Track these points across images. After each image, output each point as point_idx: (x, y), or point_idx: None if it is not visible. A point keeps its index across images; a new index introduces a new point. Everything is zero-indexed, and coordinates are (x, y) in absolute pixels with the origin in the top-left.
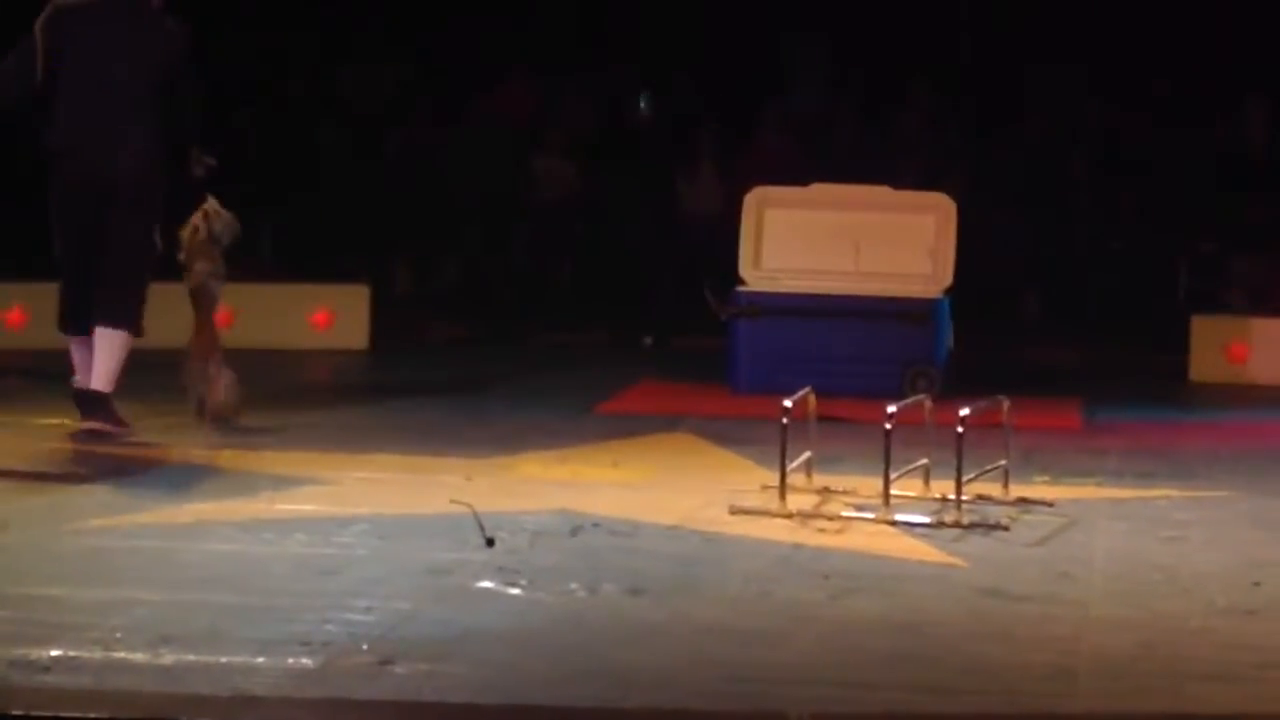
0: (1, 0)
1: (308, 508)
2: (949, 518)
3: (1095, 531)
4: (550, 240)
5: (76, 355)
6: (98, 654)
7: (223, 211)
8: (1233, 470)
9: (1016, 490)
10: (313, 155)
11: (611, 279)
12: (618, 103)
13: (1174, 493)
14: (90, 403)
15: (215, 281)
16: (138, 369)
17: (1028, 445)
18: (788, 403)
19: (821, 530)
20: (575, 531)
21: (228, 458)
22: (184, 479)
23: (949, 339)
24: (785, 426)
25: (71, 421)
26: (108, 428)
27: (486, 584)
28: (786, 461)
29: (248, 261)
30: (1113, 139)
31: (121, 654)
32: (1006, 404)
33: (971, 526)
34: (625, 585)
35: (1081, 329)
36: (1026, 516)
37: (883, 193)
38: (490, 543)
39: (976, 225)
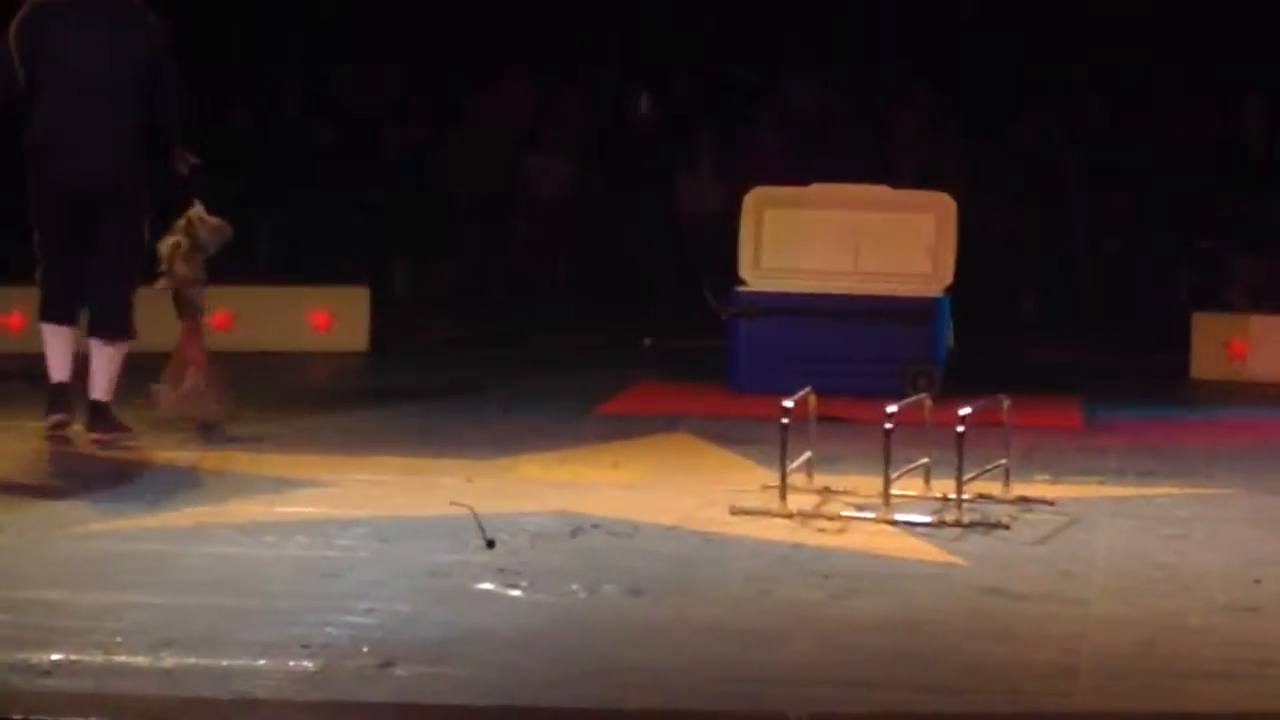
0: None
1: (308, 510)
2: (950, 517)
3: (1096, 530)
4: (548, 240)
5: (51, 344)
6: (98, 658)
7: (208, 218)
8: (1233, 468)
9: (1017, 489)
10: (311, 156)
11: (610, 279)
12: (616, 102)
13: (1175, 490)
14: (93, 414)
15: (197, 289)
16: (132, 371)
17: (1028, 444)
18: (788, 403)
19: (822, 530)
20: (575, 532)
21: (228, 460)
22: (184, 482)
23: (949, 338)
24: (785, 426)
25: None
26: (112, 436)
27: (487, 585)
28: (787, 461)
29: (247, 264)
30: (1111, 137)
31: (122, 658)
32: (1007, 403)
33: (972, 525)
34: (625, 586)
35: (1081, 327)
36: (1027, 515)
37: (882, 192)
38: (490, 544)
39: (975, 223)
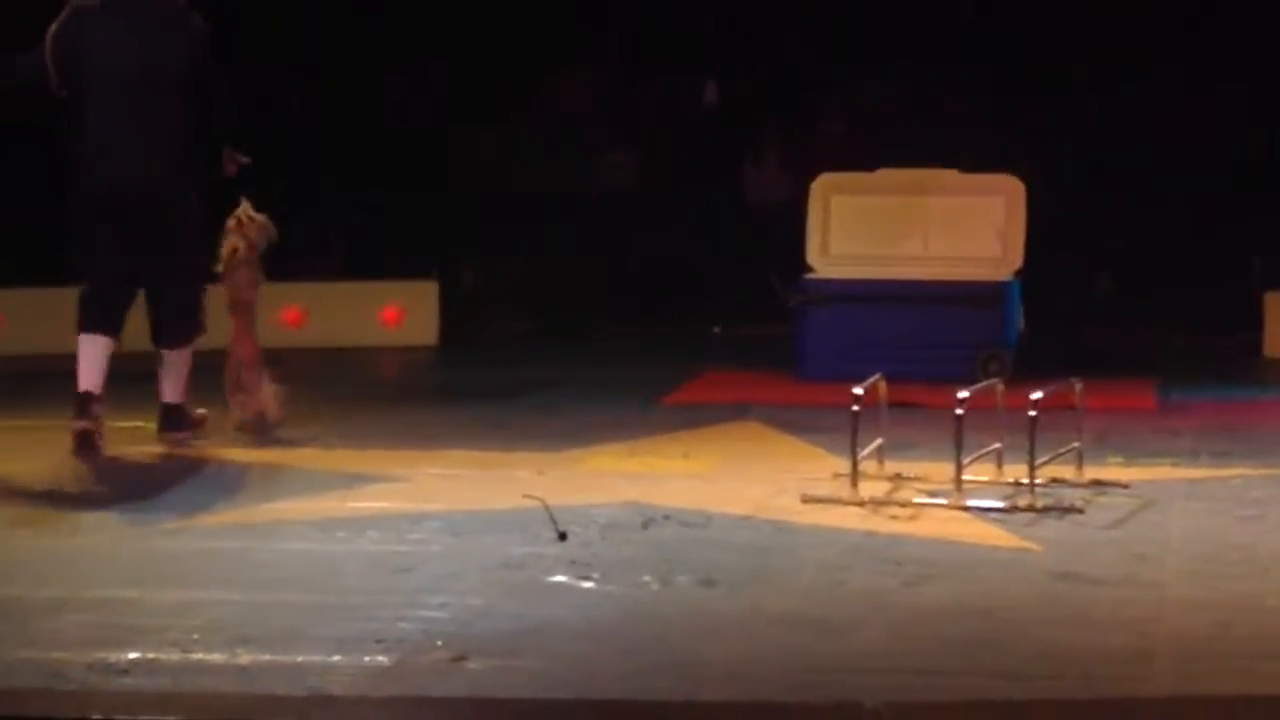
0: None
1: (380, 505)
2: (1022, 502)
3: (1171, 512)
4: (614, 232)
5: (85, 353)
6: (175, 656)
7: (256, 216)
8: None
9: (1090, 473)
10: (378, 153)
11: (677, 270)
12: (680, 93)
13: (1250, 471)
14: (167, 416)
15: (252, 291)
16: (198, 370)
17: (1101, 427)
18: (858, 389)
19: (894, 517)
20: (647, 524)
21: (299, 457)
22: (256, 479)
23: (1020, 321)
24: (856, 413)
25: (147, 424)
26: (185, 436)
27: (559, 578)
28: (858, 448)
29: (318, 261)
30: (1186, 117)
31: (198, 655)
32: (1079, 386)
33: (1045, 510)
34: (698, 576)
35: (1154, 308)
36: (1101, 499)
37: (950, 176)
38: (562, 536)
39: (1045, 205)
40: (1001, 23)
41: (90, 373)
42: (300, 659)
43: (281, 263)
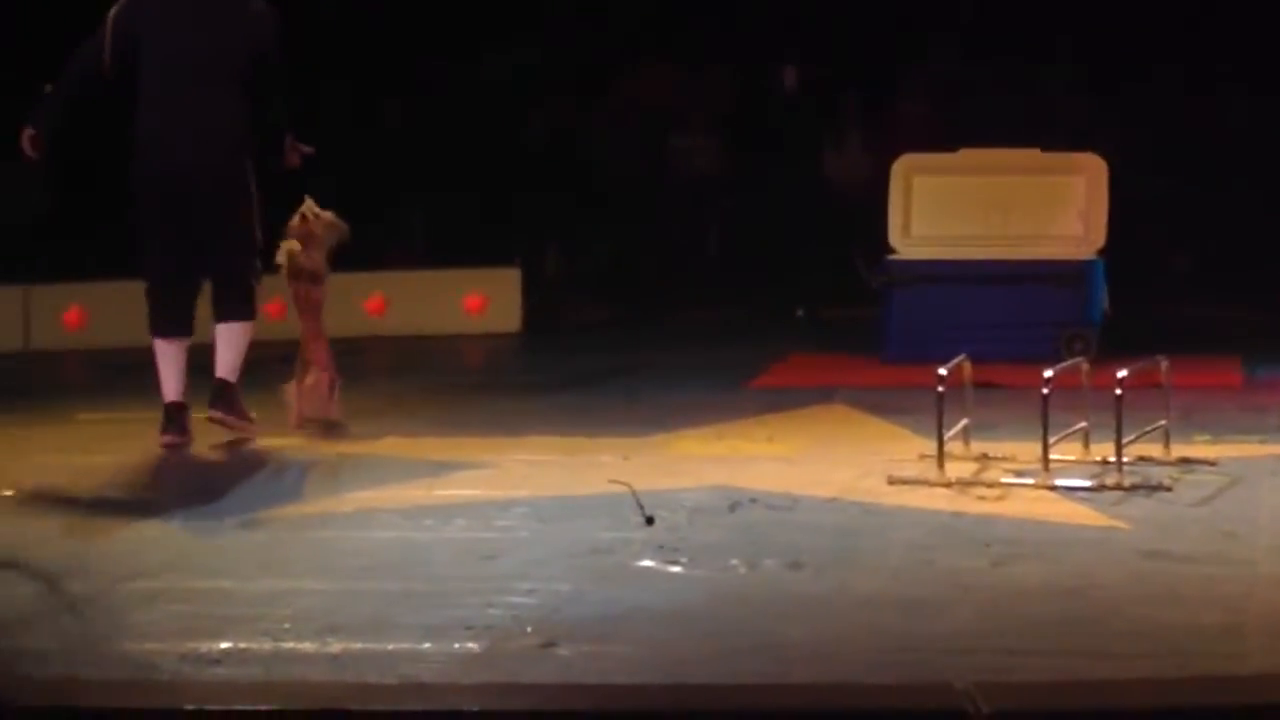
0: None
1: (467, 492)
2: (1110, 480)
3: (1259, 489)
4: (696, 216)
5: (162, 361)
6: (266, 645)
7: (322, 213)
8: None
9: (1178, 450)
10: (459, 140)
11: (759, 253)
12: (760, 75)
13: None
14: (216, 393)
15: (317, 288)
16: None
17: (1188, 404)
18: (943, 370)
19: (981, 498)
20: (734, 507)
21: (386, 446)
22: (344, 469)
23: (1103, 300)
24: (941, 394)
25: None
26: (231, 419)
27: (647, 563)
28: (943, 429)
29: (401, 249)
30: (1264, 90)
31: (290, 644)
32: (1165, 363)
33: (1133, 488)
34: (785, 559)
35: (1239, 284)
36: (1189, 476)
37: (1031, 155)
38: (649, 521)
39: (1127, 182)
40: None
41: (170, 380)
42: (391, 647)
43: (364, 252)
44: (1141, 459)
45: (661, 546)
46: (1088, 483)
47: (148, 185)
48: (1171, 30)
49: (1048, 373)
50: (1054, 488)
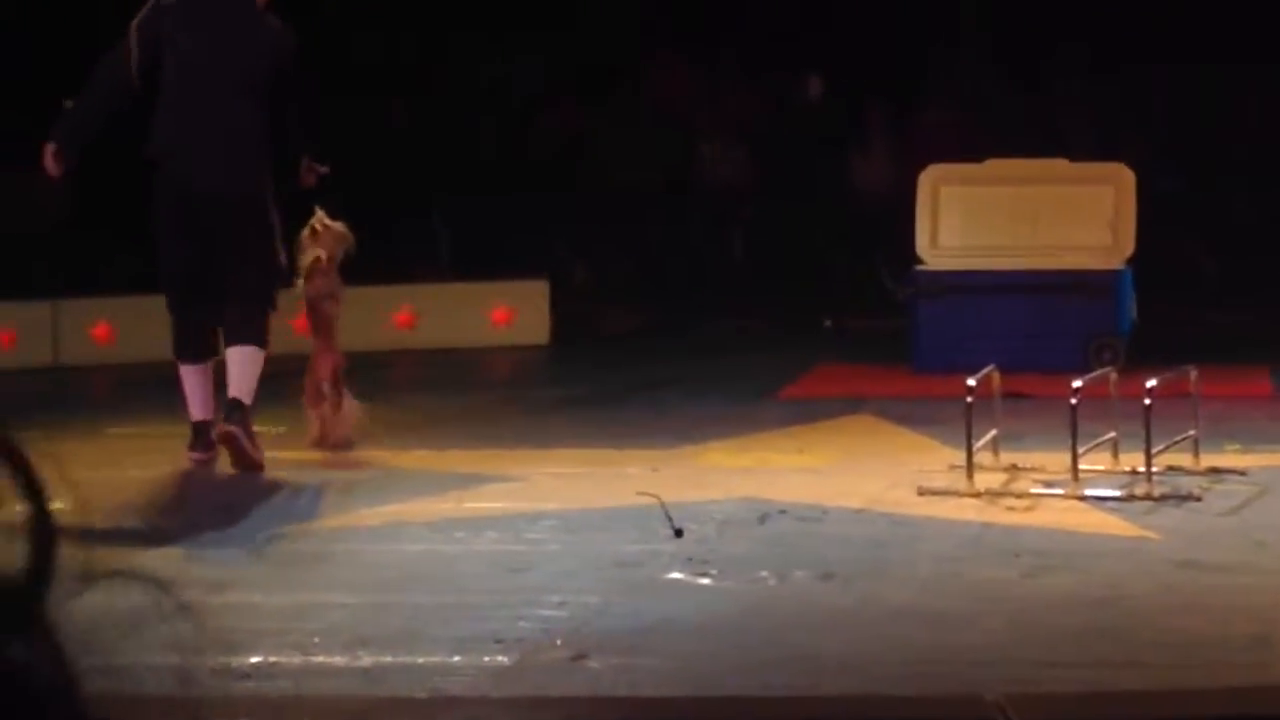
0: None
1: (496, 505)
2: (1139, 490)
3: None
4: (722, 225)
5: (188, 384)
6: (296, 659)
7: (331, 224)
8: None
9: (1207, 460)
10: (481, 151)
11: (786, 263)
12: (784, 85)
13: None
14: (230, 410)
15: (331, 303)
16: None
17: (1217, 414)
18: (972, 381)
19: (1010, 508)
20: (763, 519)
21: (415, 459)
22: (371, 482)
23: (1132, 310)
24: (970, 405)
25: (270, 430)
26: (243, 441)
27: (676, 575)
28: (972, 440)
29: (428, 262)
30: None
31: (320, 658)
32: (1194, 373)
33: (1163, 498)
34: (815, 571)
35: (1269, 293)
36: (1219, 486)
37: (1059, 165)
38: (678, 533)
39: (1153, 188)
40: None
41: (197, 400)
42: (421, 660)
43: (392, 265)
44: (1171, 469)
45: (690, 558)
46: (1117, 493)
47: (169, 199)
48: (1198, 33)
49: (1076, 383)
50: (1083, 498)
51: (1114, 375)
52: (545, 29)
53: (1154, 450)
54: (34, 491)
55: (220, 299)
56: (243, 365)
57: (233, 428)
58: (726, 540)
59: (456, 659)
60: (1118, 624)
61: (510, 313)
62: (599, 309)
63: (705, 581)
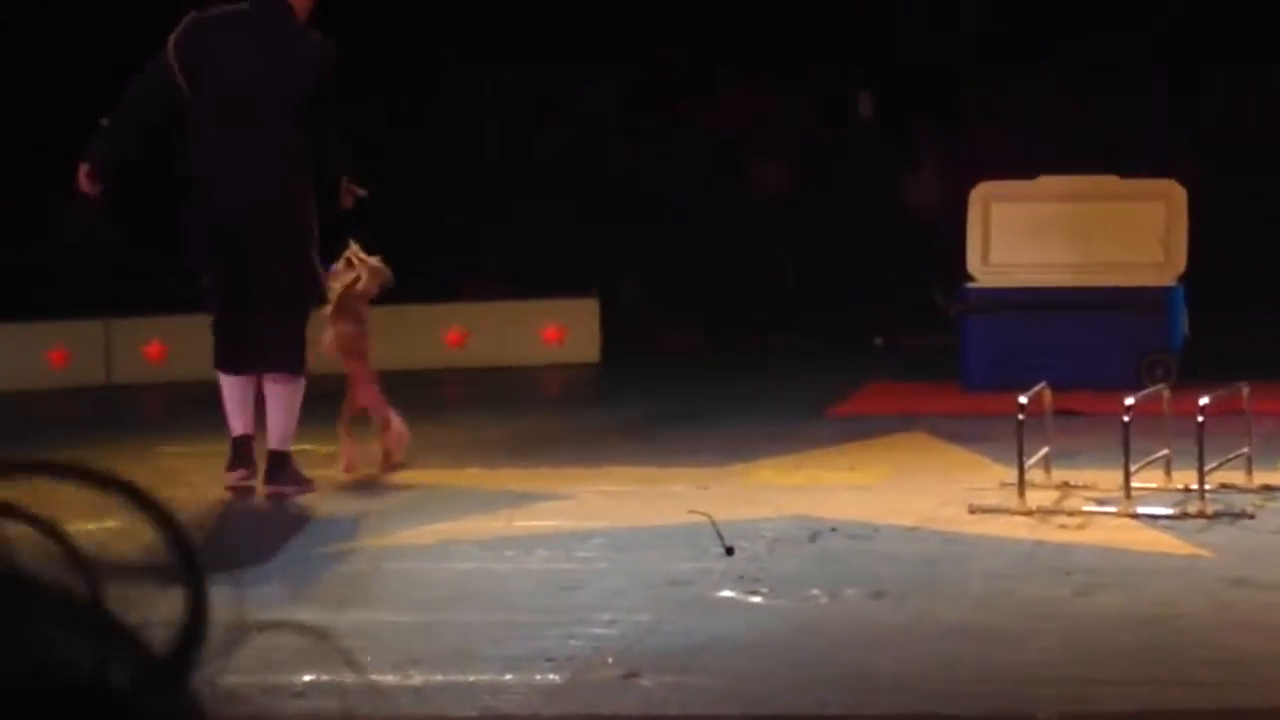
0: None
1: (547, 523)
2: (1192, 508)
3: None
4: (772, 242)
5: (228, 394)
6: (348, 677)
7: (367, 259)
8: None
9: (1260, 477)
10: (534, 169)
11: (836, 280)
12: (835, 102)
13: None
14: (273, 467)
15: (360, 335)
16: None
17: (1270, 431)
18: (1023, 398)
19: (1062, 526)
20: (814, 537)
21: (466, 477)
22: (423, 500)
23: (1184, 326)
24: (1021, 422)
25: (315, 448)
26: (290, 490)
27: (727, 593)
28: (1024, 457)
29: (478, 281)
30: None
31: (371, 677)
32: (1246, 390)
33: (1216, 516)
34: (866, 589)
35: None
36: (1272, 504)
37: (1110, 182)
38: (729, 551)
39: (1206, 207)
40: (1163, 18)
41: (237, 414)
42: (472, 678)
43: (444, 283)
44: (1224, 486)
45: (742, 577)
46: (1170, 511)
47: (208, 219)
48: (1249, 51)
49: (1129, 400)
50: (1136, 516)
51: (1166, 392)
52: (602, 52)
53: (1207, 468)
54: (175, 536)
55: (259, 312)
56: (282, 410)
57: (278, 488)
58: (777, 558)
59: (508, 677)
60: (1170, 642)
61: (561, 331)
62: (650, 327)
63: (756, 600)
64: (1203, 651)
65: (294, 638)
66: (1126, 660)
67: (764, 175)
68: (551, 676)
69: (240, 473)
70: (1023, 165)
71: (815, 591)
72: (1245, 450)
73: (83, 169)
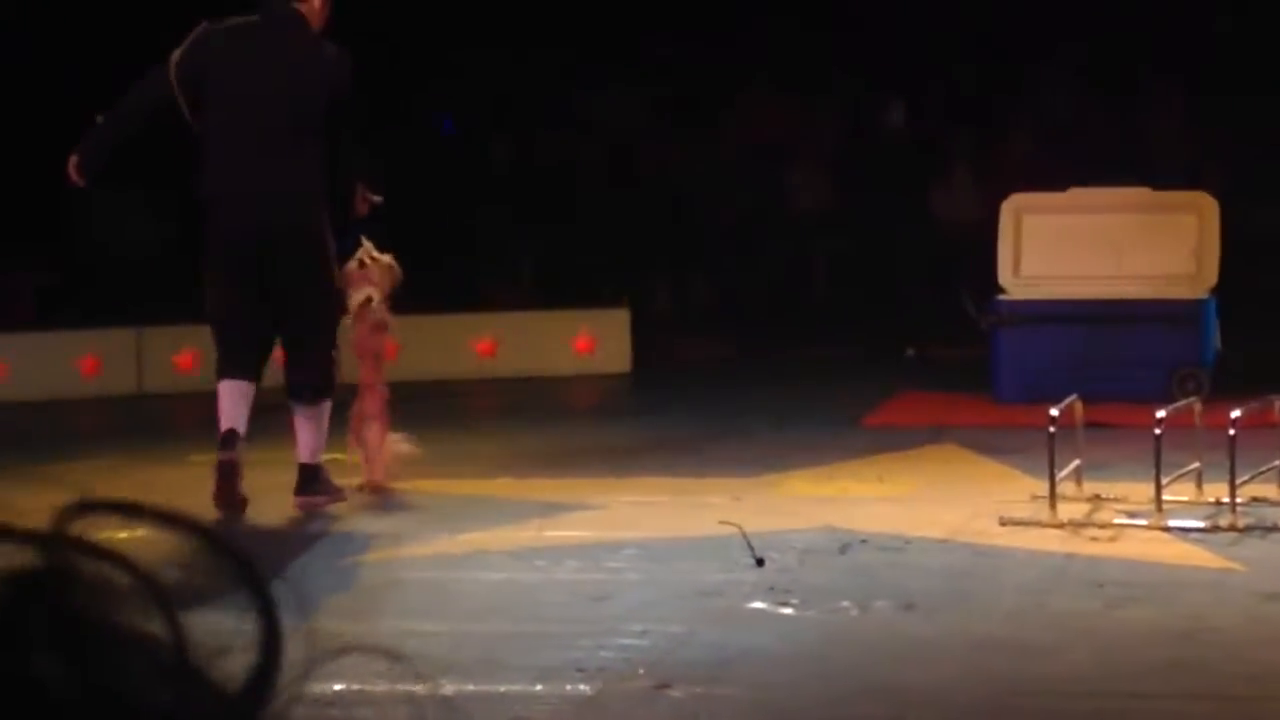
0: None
1: (577, 534)
2: (1224, 521)
3: None
4: (804, 254)
5: (226, 398)
6: (380, 687)
7: (379, 256)
8: None
9: None
10: (568, 180)
11: (868, 291)
12: (868, 113)
13: None
14: (303, 480)
15: (379, 338)
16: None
17: None
18: (1054, 411)
19: (1094, 539)
20: (845, 548)
21: (496, 487)
22: (454, 510)
23: (1216, 339)
24: (1053, 435)
25: (342, 457)
26: (321, 500)
27: (758, 604)
28: (1055, 470)
29: (509, 290)
30: None
31: (403, 686)
32: (1279, 403)
33: (1248, 529)
34: (897, 601)
35: None
36: None
37: (1142, 194)
38: (760, 562)
39: (1238, 219)
40: (1193, 31)
41: (231, 411)
42: (503, 689)
43: (474, 293)
44: (1256, 499)
45: (772, 588)
46: (1202, 524)
47: (225, 239)
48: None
49: (1160, 413)
50: (1168, 529)
51: (1198, 405)
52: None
53: (1239, 481)
54: (250, 577)
55: (273, 331)
56: (312, 428)
57: (310, 498)
58: (808, 570)
59: (538, 688)
60: (1202, 656)
61: (592, 341)
62: (681, 337)
63: (787, 611)
64: (1234, 665)
65: (324, 647)
66: (1158, 674)
67: (798, 186)
68: (582, 687)
69: (227, 455)
70: (1054, 177)
71: (846, 603)
72: (1277, 463)
73: (72, 160)
